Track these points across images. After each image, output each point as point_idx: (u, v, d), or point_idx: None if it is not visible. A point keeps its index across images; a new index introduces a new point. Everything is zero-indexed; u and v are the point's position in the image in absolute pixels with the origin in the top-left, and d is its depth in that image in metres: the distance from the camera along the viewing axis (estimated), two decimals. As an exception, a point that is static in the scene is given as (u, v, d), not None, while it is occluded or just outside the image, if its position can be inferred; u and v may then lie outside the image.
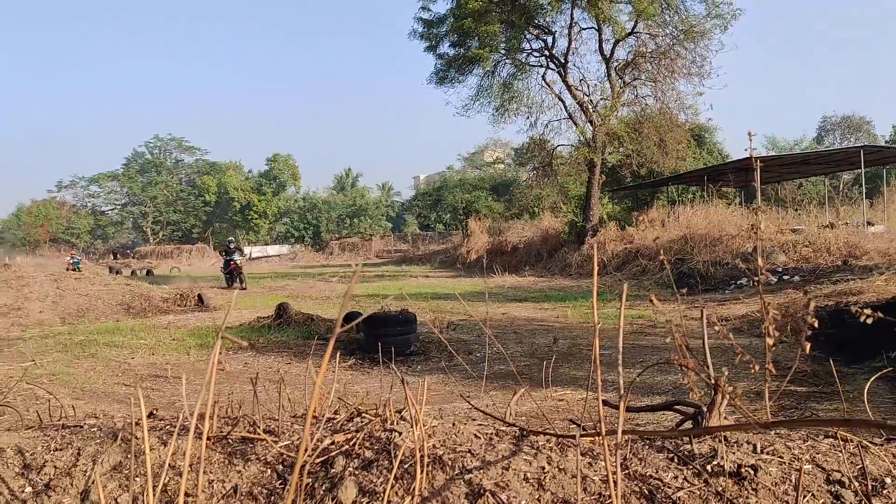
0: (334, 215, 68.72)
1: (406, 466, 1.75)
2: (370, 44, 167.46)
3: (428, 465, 1.75)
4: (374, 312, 8.44)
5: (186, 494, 1.69)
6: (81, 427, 2.05)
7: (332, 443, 1.90)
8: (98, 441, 1.92)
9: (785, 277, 13.46)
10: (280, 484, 1.74)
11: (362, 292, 15.68)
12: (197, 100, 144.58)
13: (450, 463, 1.79)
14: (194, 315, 13.12)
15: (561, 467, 1.81)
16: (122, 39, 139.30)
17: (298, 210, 70.53)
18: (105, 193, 69.10)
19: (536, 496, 1.68)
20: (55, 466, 1.80)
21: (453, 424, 2.05)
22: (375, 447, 1.89)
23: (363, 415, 2.15)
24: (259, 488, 1.74)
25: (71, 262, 26.49)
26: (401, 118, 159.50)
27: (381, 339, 7.40)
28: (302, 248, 61.87)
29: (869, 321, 1.38)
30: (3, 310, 12.23)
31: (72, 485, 1.74)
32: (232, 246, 21.37)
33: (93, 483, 1.72)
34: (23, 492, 1.73)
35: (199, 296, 15.23)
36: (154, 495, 1.32)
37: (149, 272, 33.18)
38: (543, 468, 1.80)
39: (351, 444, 1.90)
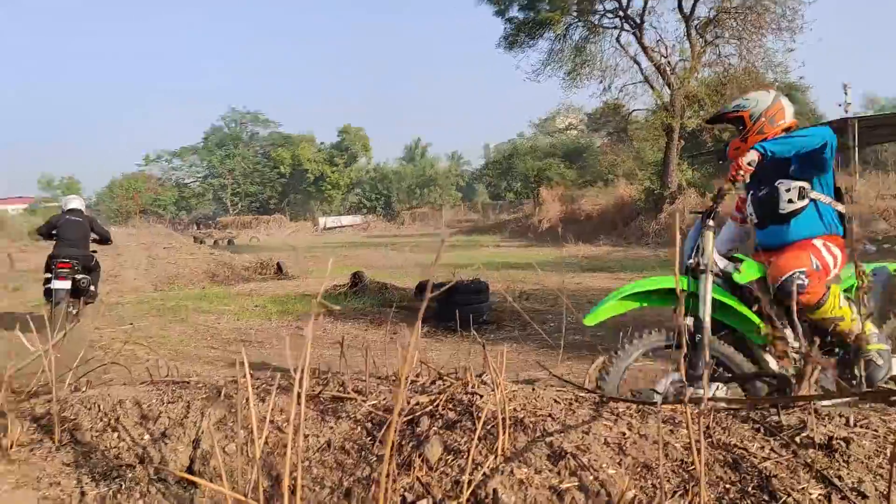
0: (404, 185, 69.35)
1: (488, 427, 1.81)
2: (440, 11, 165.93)
3: (510, 428, 1.80)
4: (447, 281, 8.55)
5: (284, 446, 1.82)
6: (188, 383, 2.23)
7: (417, 403, 1.98)
8: (204, 396, 2.09)
9: (885, 246, 12.62)
10: (369, 440, 1.85)
11: (431, 261, 15.86)
12: (268, 73, 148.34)
13: (531, 426, 1.84)
14: (274, 283, 13.71)
15: (641, 433, 1.82)
16: (196, 20, 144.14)
17: (370, 181, 71.58)
18: (187, 166, 72.33)
19: (617, 460, 1.70)
20: (169, 417, 1.98)
21: (533, 389, 2.09)
22: (458, 409, 1.96)
23: (444, 378, 2.22)
24: (350, 443, 1.85)
25: None
26: (470, 86, 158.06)
27: (454, 307, 7.51)
28: (374, 218, 62.95)
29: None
30: (102, 276, 13.17)
31: (184, 434, 1.91)
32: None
33: (202, 433, 1.88)
34: (142, 439, 1.92)
35: (278, 264, 15.88)
36: (259, 446, 1.44)
37: (230, 242, 34.33)
38: (624, 434, 1.82)
39: (434, 405, 1.98)
